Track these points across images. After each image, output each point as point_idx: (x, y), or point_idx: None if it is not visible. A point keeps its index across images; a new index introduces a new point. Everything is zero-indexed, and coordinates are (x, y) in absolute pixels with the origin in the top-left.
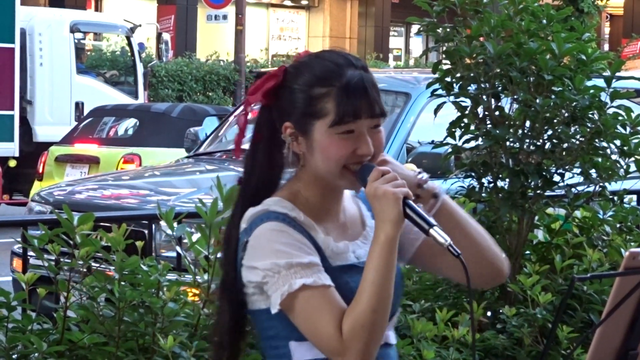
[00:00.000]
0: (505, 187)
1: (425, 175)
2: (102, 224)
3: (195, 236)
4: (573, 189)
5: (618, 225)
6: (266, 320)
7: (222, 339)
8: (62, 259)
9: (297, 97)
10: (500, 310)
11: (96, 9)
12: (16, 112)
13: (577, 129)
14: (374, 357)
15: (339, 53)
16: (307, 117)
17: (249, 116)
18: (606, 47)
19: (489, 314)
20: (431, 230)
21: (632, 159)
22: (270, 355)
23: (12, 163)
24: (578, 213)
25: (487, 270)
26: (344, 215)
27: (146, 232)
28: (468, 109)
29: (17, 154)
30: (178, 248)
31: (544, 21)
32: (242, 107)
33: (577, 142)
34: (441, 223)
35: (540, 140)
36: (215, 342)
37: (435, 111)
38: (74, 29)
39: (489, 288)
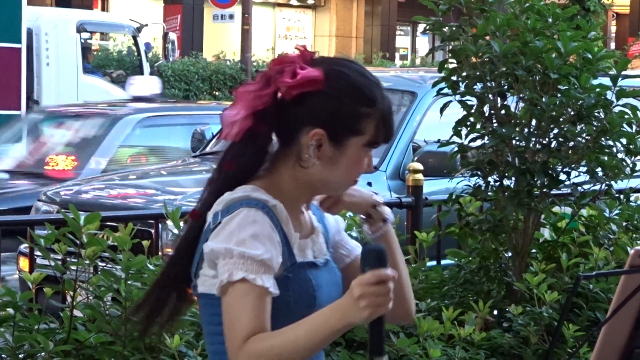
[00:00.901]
0: (512, 185)
1: (381, 199)
2: (108, 223)
3: None
4: (579, 188)
5: (624, 224)
6: (218, 306)
7: (154, 315)
8: (68, 259)
9: (342, 109)
10: (507, 309)
11: (102, 9)
12: (23, 112)
13: (583, 128)
14: None
15: (362, 68)
16: (346, 131)
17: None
18: (612, 45)
19: (495, 312)
20: (376, 358)
21: (638, 157)
22: (218, 342)
23: None
24: (584, 211)
25: (401, 308)
26: (303, 215)
27: (152, 231)
28: (474, 107)
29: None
30: None
31: (550, 20)
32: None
33: (583, 141)
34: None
35: (546, 139)
36: (145, 316)
37: (441, 110)
38: (80, 28)
39: (393, 322)
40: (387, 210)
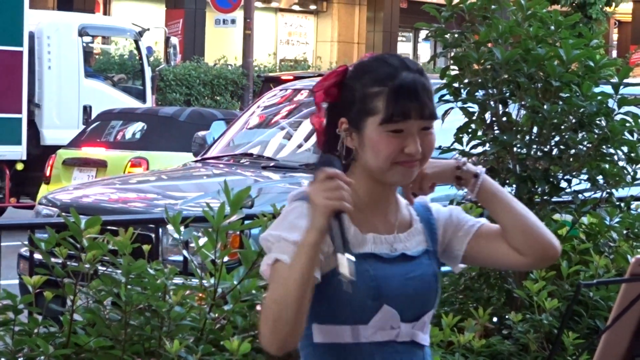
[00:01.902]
0: (513, 192)
1: (464, 159)
2: (109, 227)
3: (202, 240)
4: (580, 195)
5: (625, 232)
6: None
7: None
8: (69, 262)
9: (354, 94)
10: (507, 316)
11: (104, 13)
12: (24, 116)
13: (585, 136)
14: (281, 345)
15: (397, 56)
16: (361, 114)
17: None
18: (614, 53)
19: (495, 319)
20: (341, 255)
21: (639, 165)
22: (302, 336)
23: (20, 166)
24: (585, 219)
25: (538, 241)
26: (394, 215)
27: (153, 235)
28: (475, 114)
29: (24, 157)
30: (185, 252)
31: (552, 27)
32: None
33: (585, 149)
34: (484, 200)
35: (548, 146)
36: None
37: (443, 116)
38: (82, 32)
39: (544, 265)
40: (474, 167)
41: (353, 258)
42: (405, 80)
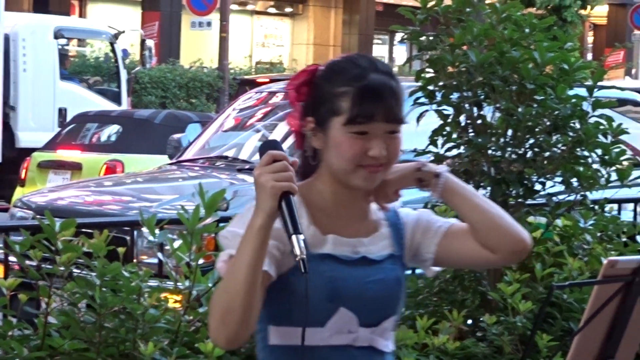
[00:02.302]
0: (487, 195)
1: (424, 160)
2: (83, 230)
3: (177, 243)
4: (554, 198)
5: (599, 234)
6: None
7: None
8: (43, 265)
9: (322, 93)
10: (481, 318)
11: (80, 15)
12: None
13: (559, 138)
14: (230, 339)
15: (368, 57)
16: (327, 114)
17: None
18: (589, 56)
19: (469, 321)
20: (292, 237)
21: (613, 168)
22: (258, 339)
23: None
24: (559, 222)
25: (507, 237)
26: (360, 219)
27: (128, 238)
28: (450, 117)
29: None
30: (160, 254)
31: (527, 30)
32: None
33: (559, 151)
34: (449, 200)
35: (522, 149)
36: None
37: (418, 119)
38: (57, 34)
39: (517, 260)
40: (434, 166)
41: (302, 236)
42: (372, 82)
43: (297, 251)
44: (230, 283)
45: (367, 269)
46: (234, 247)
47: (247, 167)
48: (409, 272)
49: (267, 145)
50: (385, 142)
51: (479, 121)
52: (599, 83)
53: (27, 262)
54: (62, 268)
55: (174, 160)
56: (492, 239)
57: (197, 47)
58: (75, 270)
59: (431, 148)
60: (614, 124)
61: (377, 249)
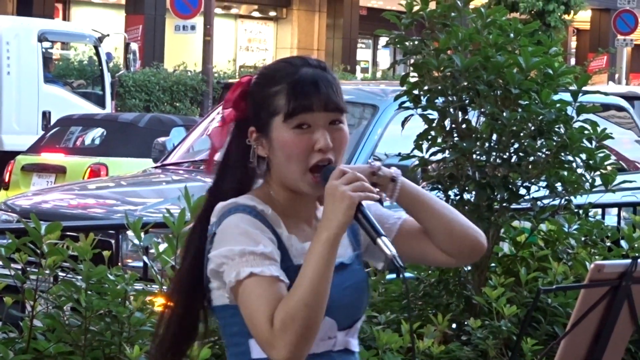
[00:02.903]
0: (472, 199)
1: (378, 163)
2: (68, 233)
3: (162, 246)
4: (539, 202)
5: (583, 239)
6: (230, 317)
7: (168, 334)
8: (28, 268)
9: (256, 99)
10: (466, 322)
11: (64, 18)
12: None
13: (544, 143)
14: (304, 352)
15: (299, 56)
16: (265, 117)
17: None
18: (573, 61)
19: (454, 325)
20: (378, 240)
21: (598, 172)
22: (232, 353)
23: None
24: (543, 226)
25: (463, 241)
26: (317, 222)
27: (113, 241)
28: (435, 121)
29: None
30: (145, 258)
31: (512, 35)
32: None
33: (543, 156)
34: (405, 204)
35: (507, 154)
36: (160, 336)
37: (403, 123)
38: (41, 37)
39: (471, 261)
40: (389, 171)
41: (386, 237)
42: (304, 74)
43: (388, 251)
44: (312, 296)
45: (342, 275)
46: (248, 265)
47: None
48: (394, 275)
49: (330, 169)
50: (330, 133)
51: (464, 126)
52: (583, 88)
53: (13, 265)
54: (47, 271)
55: (158, 164)
56: (449, 245)
57: (181, 51)
58: (60, 273)
59: (416, 152)
60: (598, 129)
61: (344, 251)
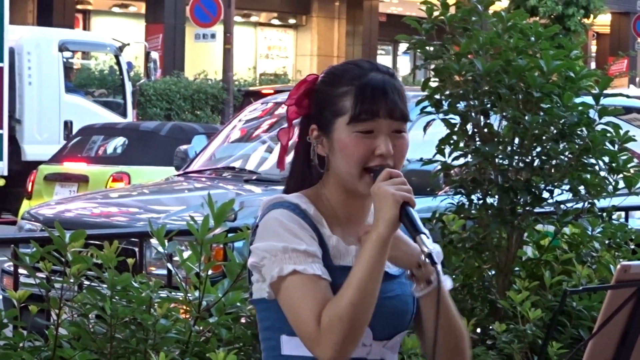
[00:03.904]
0: (495, 203)
1: (427, 260)
2: (92, 241)
3: (186, 253)
4: (562, 206)
5: (607, 242)
6: (264, 310)
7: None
8: (53, 277)
9: (321, 98)
10: (490, 327)
11: (84, 28)
12: (5, 131)
13: (566, 146)
14: (349, 353)
15: (367, 60)
16: (329, 116)
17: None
18: (593, 65)
19: (478, 330)
20: (417, 237)
21: (621, 175)
22: (264, 348)
23: (1, 182)
24: (567, 229)
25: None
26: (368, 225)
27: (136, 249)
28: (457, 126)
29: (5, 173)
30: (169, 265)
31: (532, 39)
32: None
33: (566, 159)
34: (425, 306)
35: (529, 157)
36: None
37: (425, 128)
38: (62, 47)
39: None
40: (432, 272)
41: (427, 235)
42: (373, 79)
43: (425, 248)
44: (360, 296)
45: (386, 284)
46: (291, 262)
47: (253, 178)
48: None
49: (379, 170)
50: (391, 141)
51: (486, 130)
52: (605, 91)
53: (37, 273)
54: (72, 279)
55: (180, 172)
56: (448, 355)
57: (201, 59)
58: (85, 281)
59: (438, 157)
60: (621, 132)
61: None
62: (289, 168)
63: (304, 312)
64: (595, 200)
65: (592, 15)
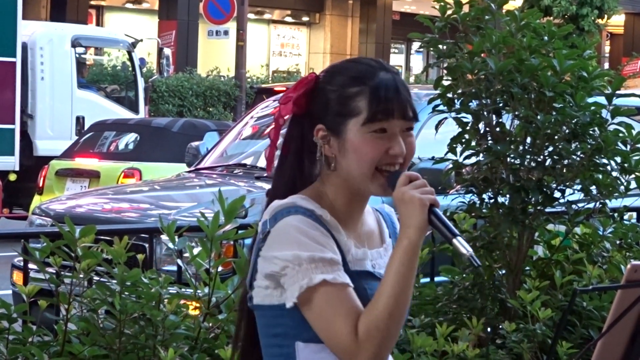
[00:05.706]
0: (506, 203)
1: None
2: (102, 237)
3: (196, 250)
4: (573, 206)
5: (618, 242)
6: (277, 317)
7: (239, 343)
8: (63, 272)
9: (330, 98)
10: (500, 326)
11: (97, 24)
12: (17, 126)
13: (578, 146)
14: None
15: (372, 58)
16: (340, 117)
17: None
18: (606, 65)
19: (488, 329)
20: (454, 240)
21: (633, 176)
22: (272, 354)
23: (13, 177)
24: (578, 229)
25: None
26: (362, 226)
27: (146, 245)
28: (469, 124)
29: (17, 168)
30: (179, 261)
31: (546, 38)
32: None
33: (578, 159)
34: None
35: (541, 157)
36: (239, 347)
37: (437, 127)
38: (75, 43)
39: None
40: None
41: (461, 236)
42: (385, 78)
43: (465, 250)
44: (395, 305)
45: (373, 284)
46: (318, 272)
47: (265, 175)
48: (427, 279)
49: (397, 174)
50: (403, 140)
51: (498, 129)
52: (617, 91)
53: (47, 268)
54: (81, 275)
55: (192, 168)
56: None
57: (214, 56)
58: (94, 277)
59: (450, 155)
60: (633, 132)
61: (383, 262)
62: (276, 167)
63: (338, 323)
64: (607, 201)
65: (606, 16)
